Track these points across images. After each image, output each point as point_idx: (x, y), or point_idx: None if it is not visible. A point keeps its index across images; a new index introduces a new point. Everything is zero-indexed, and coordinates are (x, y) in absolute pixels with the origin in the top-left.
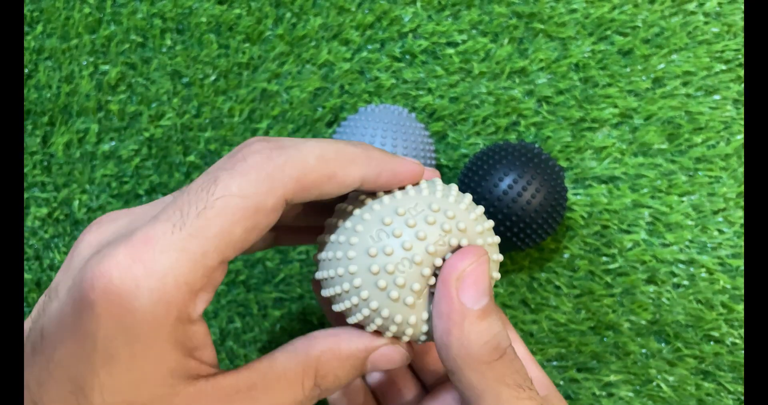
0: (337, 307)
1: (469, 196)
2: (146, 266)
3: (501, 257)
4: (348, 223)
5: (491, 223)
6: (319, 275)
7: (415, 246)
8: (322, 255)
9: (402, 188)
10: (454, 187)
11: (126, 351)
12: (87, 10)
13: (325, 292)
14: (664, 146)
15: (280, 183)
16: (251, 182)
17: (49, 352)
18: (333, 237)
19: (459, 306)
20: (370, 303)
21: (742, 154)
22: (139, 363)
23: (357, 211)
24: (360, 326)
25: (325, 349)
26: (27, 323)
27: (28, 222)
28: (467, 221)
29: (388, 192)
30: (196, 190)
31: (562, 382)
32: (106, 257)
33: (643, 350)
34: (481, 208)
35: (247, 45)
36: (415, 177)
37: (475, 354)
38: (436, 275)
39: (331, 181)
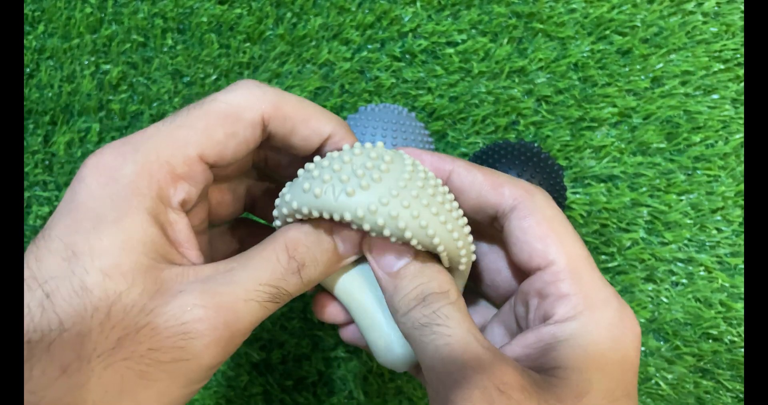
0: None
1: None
2: (134, 146)
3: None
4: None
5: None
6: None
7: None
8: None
9: None
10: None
11: (112, 215)
12: (88, 9)
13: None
14: (662, 145)
15: (261, 101)
16: (236, 95)
17: (48, 232)
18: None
19: (378, 272)
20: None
21: (741, 153)
22: (125, 227)
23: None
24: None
25: (292, 229)
26: None
27: (30, 221)
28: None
29: None
30: (194, 102)
31: None
32: (100, 148)
33: (642, 348)
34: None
35: (247, 45)
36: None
37: (398, 308)
38: None
39: (305, 124)
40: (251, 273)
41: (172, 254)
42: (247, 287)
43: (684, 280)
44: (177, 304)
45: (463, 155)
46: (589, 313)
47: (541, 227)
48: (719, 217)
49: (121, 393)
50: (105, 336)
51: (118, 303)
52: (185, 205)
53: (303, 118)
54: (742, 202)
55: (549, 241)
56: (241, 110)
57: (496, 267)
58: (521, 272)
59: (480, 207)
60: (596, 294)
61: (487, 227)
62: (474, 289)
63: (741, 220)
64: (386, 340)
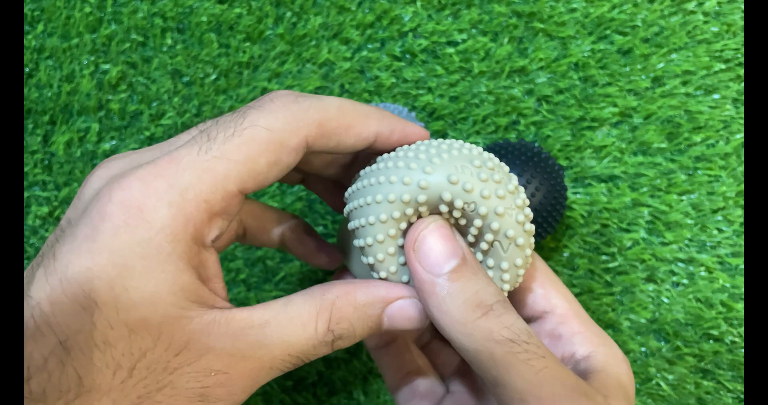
0: (365, 259)
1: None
2: (168, 181)
3: (533, 228)
4: (380, 164)
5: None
6: (346, 209)
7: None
8: (351, 188)
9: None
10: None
11: (141, 264)
12: (88, 9)
13: (356, 242)
14: (663, 145)
15: (304, 124)
16: (278, 119)
17: (63, 269)
18: (362, 176)
19: (424, 275)
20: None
21: (742, 153)
22: (154, 278)
23: (386, 156)
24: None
25: (341, 294)
26: (38, 257)
27: (29, 221)
28: (504, 176)
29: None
30: (225, 121)
31: None
32: (127, 176)
33: (643, 349)
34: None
35: (247, 44)
36: (421, 137)
37: (457, 317)
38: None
39: (349, 132)
40: (285, 339)
41: (202, 295)
42: (275, 355)
43: (685, 281)
44: (201, 366)
45: None
46: (604, 349)
47: (539, 277)
48: (720, 217)
49: None
50: (125, 395)
51: (143, 360)
52: (217, 240)
53: (347, 126)
54: (743, 202)
55: (548, 287)
56: (284, 137)
57: None
58: None
59: None
60: (600, 333)
61: None
62: None
63: (742, 220)
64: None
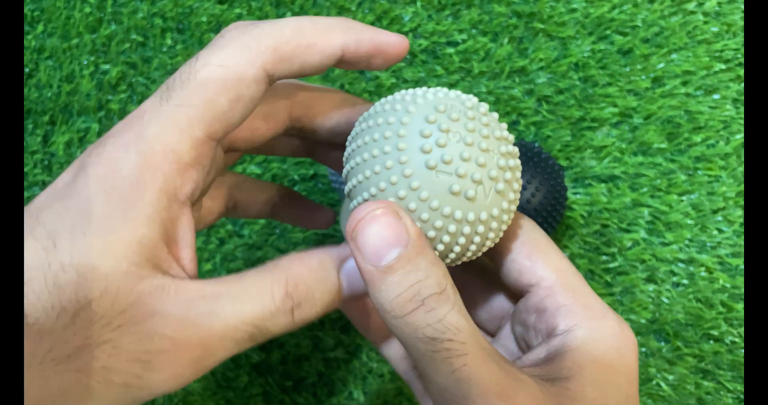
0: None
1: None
2: (136, 133)
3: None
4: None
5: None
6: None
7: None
8: (351, 146)
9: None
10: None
11: (104, 210)
12: (88, 9)
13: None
14: (663, 145)
15: (258, 52)
16: (229, 53)
17: (37, 212)
18: (363, 128)
19: (363, 264)
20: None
21: (742, 153)
22: (112, 225)
23: (389, 107)
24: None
25: (294, 259)
26: None
27: None
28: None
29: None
30: (180, 69)
31: None
32: (104, 136)
33: (643, 349)
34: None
35: None
36: (399, 48)
37: (389, 310)
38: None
39: (311, 50)
40: (238, 307)
41: (159, 255)
42: (228, 324)
43: (685, 281)
44: (145, 328)
45: None
46: (592, 323)
47: (526, 247)
48: (720, 218)
49: (64, 400)
50: (64, 341)
51: (87, 309)
52: (193, 196)
53: (307, 45)
54: (743, 203)
55: (535, 258)
56: (239, 70)
57: (490, 295)
58: (513, 295)
59: None
60: (593, 304)
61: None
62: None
63: (742, 220)
64: None
